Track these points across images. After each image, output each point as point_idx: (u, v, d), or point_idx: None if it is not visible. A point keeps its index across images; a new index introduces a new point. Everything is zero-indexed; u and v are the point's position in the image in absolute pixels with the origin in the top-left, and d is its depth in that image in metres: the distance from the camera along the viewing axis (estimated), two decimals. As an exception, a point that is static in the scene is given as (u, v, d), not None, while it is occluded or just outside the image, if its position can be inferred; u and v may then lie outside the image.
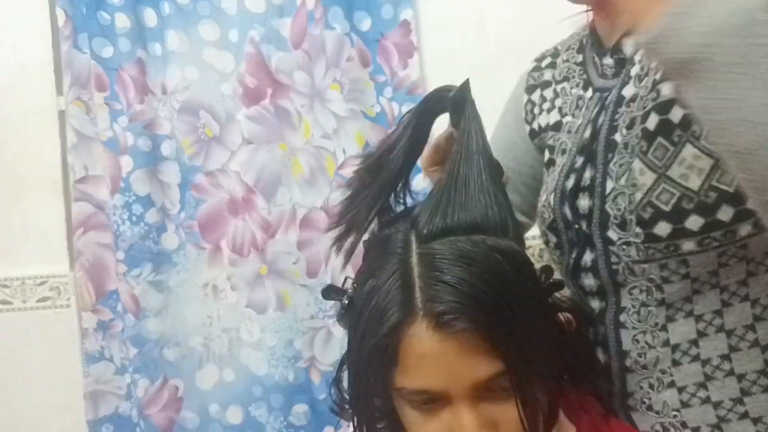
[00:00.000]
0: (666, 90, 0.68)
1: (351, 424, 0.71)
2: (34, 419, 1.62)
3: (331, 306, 1.54)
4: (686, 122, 0.67)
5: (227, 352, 1.54)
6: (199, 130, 1.51)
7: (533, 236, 1.02)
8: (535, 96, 0.92)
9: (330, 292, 0.73)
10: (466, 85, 0.70)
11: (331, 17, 1.50)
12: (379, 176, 0.71)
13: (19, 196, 1.59)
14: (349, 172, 1.50)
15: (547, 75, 0.91)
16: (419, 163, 0.80)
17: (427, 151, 0.81)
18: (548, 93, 0.89)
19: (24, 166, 1.59)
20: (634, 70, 0.74)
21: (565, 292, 0.78)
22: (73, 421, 1.59)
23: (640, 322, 0.73)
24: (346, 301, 0.70)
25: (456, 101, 0.70)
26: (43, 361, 1.61)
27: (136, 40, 1.49)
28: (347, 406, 0.72)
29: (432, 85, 1.52)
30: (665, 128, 0.68)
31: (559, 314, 0.71)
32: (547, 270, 0.70)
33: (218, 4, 1.50)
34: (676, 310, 0.71)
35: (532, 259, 0.69)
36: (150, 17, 1.50)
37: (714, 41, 0.47)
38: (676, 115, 0.68)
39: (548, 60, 0.92)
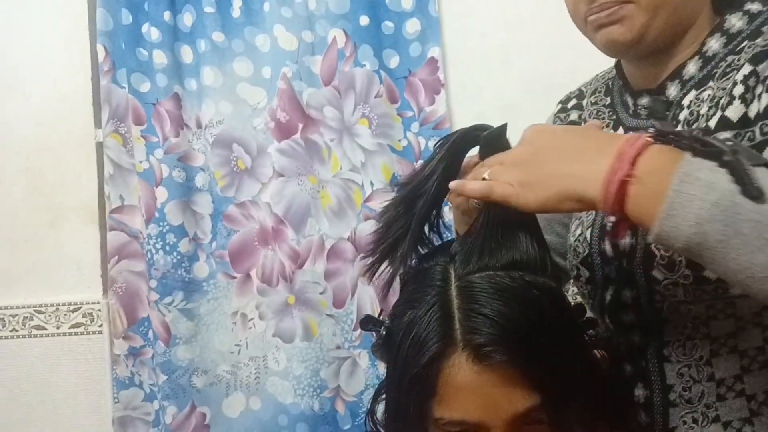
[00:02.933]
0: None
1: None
2: (64, 444, 1.65)
3: (357, 336, 1.56)
4: None
5: (254, 381, 1.57)
6: (231, 162, 1.56)
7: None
8: None
9: (368, 322, 0.75)
10: (503, 128, 0.71)
11: (360, 55, 1.54)
12: (415, 205, 0.72)
13: (55, 225, 1.64)
14: (376, 204, 1.54)
15: (574, 116, 0.93)
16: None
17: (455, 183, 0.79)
18: None
19: (61, 196, 1.64)
20: (683, 115, 0.74)
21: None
22: (101, 446, 1.62)
23: (685, 355, 0.73)
24: (384, 333, 0.71)
25: (489, 139, 0.72)
26: (74, 387, 1.64)
27: (172, 75, 1.55)
28: (382, 438, 0.74)
29: (458, 120, 1.57)
30: None
31: (594, 352, 0.72)
32: (581, 308, 0.71)
33: (252, 42, 1.56)
34: (720, 345, 0.72)
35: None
36: (186, 54, 1.56)
37: (703, 228, 0.53)
38: None
39: (574, 101, 0.94)
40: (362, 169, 1.56)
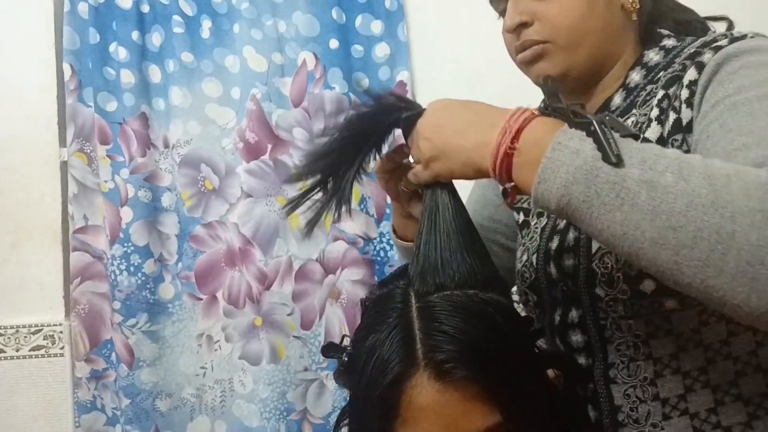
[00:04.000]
0: None
1: (348, 479, 0.72)
2: (22, 470, 1.60)
3: (325, 358, 1.55)
4: None
5: (219, 404, 1.55)
6: (199, 182, 1.55)
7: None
8: None
9: (329, 349, 0.75)
10: (422, 111, 0.75)
11: (330, 77, 1.56)
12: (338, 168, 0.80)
13: (17, 245, 1.61)
14: (345, 225, 1.54)
15: None
16: (372, 168, 0.86)
17: (380, 161, 0.86)
18: None
19: (24, 216, 1.61)
20: None
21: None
22: (61, 472, 1.58)
23: (630, 376, 0.76)
24: (346, 359, 0.72)
25: (408, 124, 0.76)
26: (34, 411, 1.60)
27: (140, 95, 1.54)
28: (345, 461, 0.73)
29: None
30: None
31: (549, 371, 0.73)
32: (529, 320, 0.73)
33: (221, 63, 1.56)
34: (663, 366, 0.74)
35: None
36: (155, 74, 1.55)
37: (568, 190, 0.58)
38: None
39: None
40: (331, 190, 1.56)
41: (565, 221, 0.82)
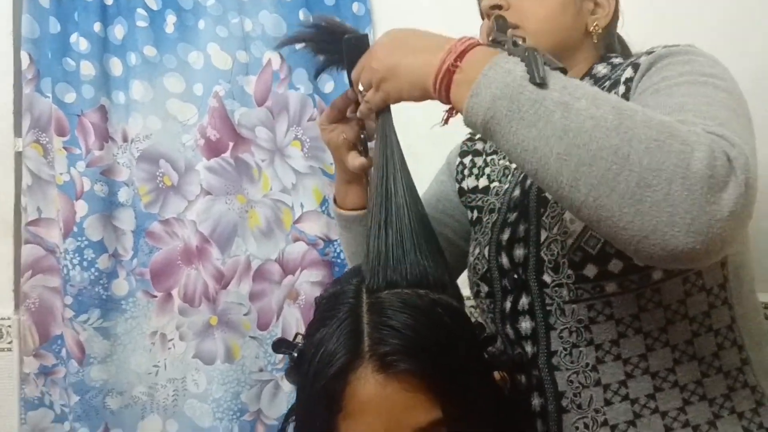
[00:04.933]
0: None
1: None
2: (-38, 468, 1.56)
3: (281, 359, 1.54)
4: None
5: (172, 403, 1.53)
6: (157, 178, 1.53)
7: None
8: (467, 160, 1.05)
9: (280, 345, 0.75)
10: (365, 37, 0.83)
11: (295, 78, 1.56)
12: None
13: (-34, 236, 1.57)
14: (306, 226, 1.54)
15: (479, 145, 1.05)
16: (317, 122, 0.92)
17: (326, 110, 0.94)
18: (478, 160, 1.03)
19: (-25, 206, 1.57)
20: None
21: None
22: (4, 470, 1.54)
23: (572, 363, 0.80)
24: (296, 354, 0.72)
25: (349, 44, 0.83)
26: (-22, 407, 1.56)
27: (100, 87, 1.51)
28: (291, 459, 0.74)
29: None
30: None
31: (495, 373, 0.75)
32: (480, 327, 0.76)
33: (185, 58, 1.55)
34: (605, 353, 0.78)
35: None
36: (116, 66, 1.53)
37: (495, 104, 0.63)
38: None
39: None
40: (293, 190, 1.57)
41: (515, 215, 0.87)
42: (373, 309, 0.67)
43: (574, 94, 0.60)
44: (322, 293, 0.77)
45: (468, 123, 0.67)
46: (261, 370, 1.54)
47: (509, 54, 0.66)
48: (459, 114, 0.69)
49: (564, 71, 0.65)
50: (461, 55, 0.67)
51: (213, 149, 1.53)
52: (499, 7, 0.87)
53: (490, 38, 0.75)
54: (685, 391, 0.77)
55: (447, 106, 0.73)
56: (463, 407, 0.64)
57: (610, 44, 0.95)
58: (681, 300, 0.78)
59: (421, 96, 0.72)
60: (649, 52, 0.80)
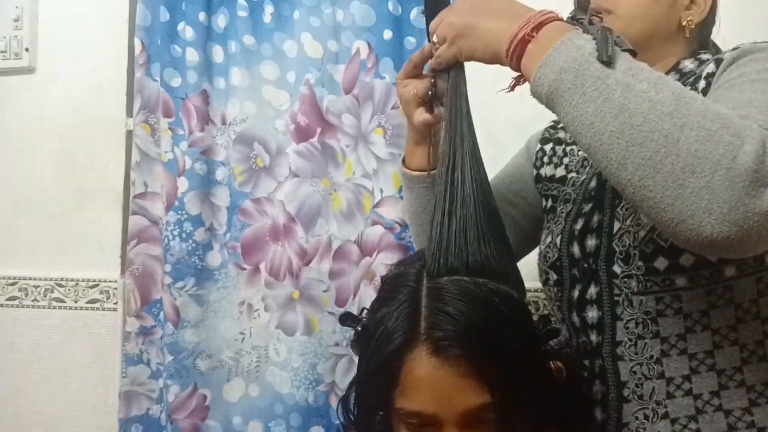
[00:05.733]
0: None
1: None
2: (73, 412, 1.74)
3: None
4: None
5: (254, 369, 1.64)
6: (251, 159, 1.64)
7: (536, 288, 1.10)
8: (548, 147, 1.06)
9: (347, 318, 0.81)
10: None
11: (381, 67, 1.61)
12: None
13: (82, 204, 1.74)
14: (384, 210, 1.60)
15: (561, 134, 1.05)
16: (397, 77, 0.96)
17: (405, 65, 0.96)
18: (559, 150, 1.04)
19: (90, 178, 1.74)
20: None
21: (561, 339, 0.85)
22: (106, 418, 1.71)
23: (636, 354, 0.81)
24: (360, 328, 0.78)
25: (430, 3, 0.87)
26: (86, 359, 1.73)
27: (203, 73, 1.63)
28: (352, 427, 0.80)
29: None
30: None
31: (552, 363, 0.78)
32: (545, 319, 0.78)
33: (280, 47, 1.64)
34: (670, 346, 0.78)
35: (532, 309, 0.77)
36: (218, 54, 1.64)
37: (561, 76, 0.65)
38: None
39: None
40: (374, 175, 1.63)
41: (589, 206, 0.88)
42: (431, 294, 0.70)
43: (637, 76, 0.62)
44: (387, 272, 0.81)
45: (534, 92, 0.69)
46: (337, 345, 1.62)
47: (584, 32, 0.68)
48: (526, 83, 0.71)
49: (634, 53, 0.67)
50: (538, 27, 0.69)
51: (302, 134, 1.62)
52: None
53: (569, 15, 0.76)
54: (753, 391, 0.77)
55: (516, 74, 0.75)
56: (512, 394, 0.67)
57: (703, 43, 0.94)
58: (753, 299, 0.77)
59: (492, 59, 0.74)
60: (734, 48, 0.80)
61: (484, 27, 0.74)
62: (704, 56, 0.90)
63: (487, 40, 0.73)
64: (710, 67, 0.81)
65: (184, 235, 1.61)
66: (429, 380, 0.67)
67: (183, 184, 1.61)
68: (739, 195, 0.57)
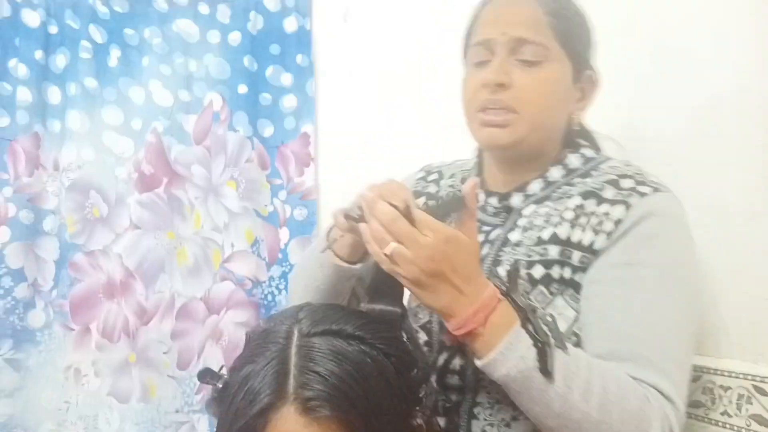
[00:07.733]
0: (552, 252, 0.85)
1: None
2: None
3: (199, 400, 1.52)
4: (562, 280, 0.84)
5: (80, 442, 1.47)
6: (86, 209, 1.51)
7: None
8: (420, 202, 1.02)
9: (206, 375, 0.75)
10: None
11: (235, 120, 1.58)
12: None
13: None
14: (235, 266, 1.54)
15: (432, 188, 1.04)
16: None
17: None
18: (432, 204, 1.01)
19: None
20: (521, 222, 0.89)
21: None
22: None
23: (491, 416, 0.85)
24: (220, 386, 0.72)
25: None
26: None
27: (35, 114, 1.51)
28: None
29: (325, 192, 1.62)
30: (546, 280, 0.84)
31: (415, 422, 0.76)
32: (413, 363, 0.76)
33: (125, 93, 1.56)
34: (520, 412, 0.81)
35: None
36: (54, 95, 1.53)
37: (508, 380, 0.74)
38: (556, 272, 0.84)
39: (434, 176, 1.06)
40: (224, 229, 1.57)
41: None
42: (301, 352, 0.67)
43: (571, 385, 0.73)
44: (254, 328, 0.77)
45: (483, 371, 0.75)
46: (177, 411, 1.51)
47: (522, 325, 0.74)
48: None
49: (564, 348, 0.75)
50: (488, 316, 0.73)
51: (147, 184, 1.53)
52: (504, 85, 0.85)
53: (505, 291, 0.78)
54: None
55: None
56: None
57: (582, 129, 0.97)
58: None
59: (443, 315, 0.75)
60: (637, 189, 0.83)
61: (446, 287, 0.73)
62: (587, 152, 0.92)
63: (444, 303, 0.74)
64: (618, 211, 0.82)
65: (1, 291, 1.44)
66: None
67: (4, 233, 1.45)
68: None
